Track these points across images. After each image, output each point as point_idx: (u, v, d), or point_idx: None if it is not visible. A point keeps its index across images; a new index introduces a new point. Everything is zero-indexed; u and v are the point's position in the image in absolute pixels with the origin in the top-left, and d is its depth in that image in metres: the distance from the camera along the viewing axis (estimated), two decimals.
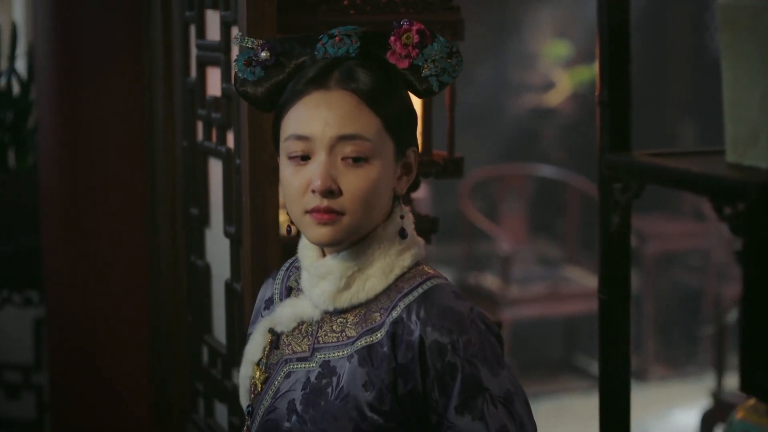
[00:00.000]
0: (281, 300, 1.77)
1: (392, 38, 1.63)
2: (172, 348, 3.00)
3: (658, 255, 6.19)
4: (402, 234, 1.64)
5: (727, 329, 4.75)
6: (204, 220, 2.78)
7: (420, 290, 1.61)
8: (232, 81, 1.84)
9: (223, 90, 2.57)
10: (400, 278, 1.64)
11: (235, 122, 2.50)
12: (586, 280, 5.98)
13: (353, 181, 1.59)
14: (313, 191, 1.58)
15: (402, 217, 1.66)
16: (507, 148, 7.64)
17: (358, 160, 1.59)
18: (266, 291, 1.84)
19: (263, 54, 1.66)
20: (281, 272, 1.83)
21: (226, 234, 2.59)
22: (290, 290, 1.77)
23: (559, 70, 7.83)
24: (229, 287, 2.60)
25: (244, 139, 2.42)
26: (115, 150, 3.07)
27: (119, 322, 3.09)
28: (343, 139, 1.58)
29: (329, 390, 1.61)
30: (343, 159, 1.59)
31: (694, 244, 6.35)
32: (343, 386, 1.60)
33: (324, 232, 1.60)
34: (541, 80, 7.90)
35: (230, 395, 2.59)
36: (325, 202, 1.58)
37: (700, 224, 6.38)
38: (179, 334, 2.97)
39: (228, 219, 2.58)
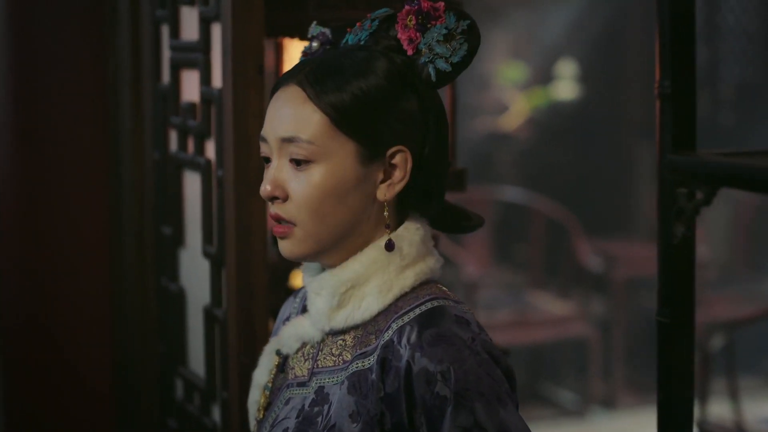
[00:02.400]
0: None
1: (398, 23, 1.50)
2: (139, 382, 2.72)
3: (626, 280, 6.04)
4: (387, 246, 1.48)
5: (710, 356, 4.59)
6: (178, 239, 2.53)
7: (417, 311, 1.45)
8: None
9: (203, 94, 2.32)
10: (402, 297, 1.48)
11: (217, 129, 2.25)
12: (551, 306, 5.82)
13: (296, 187, 1.46)
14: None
15: (387, 227, 1.49)
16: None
17: (299, 163, 1.45)
18: (286, 310, 1.71)
19: (314, 44, 1.59)
20: (302, 290, 1.69)
21: (205, 254, 2.34)
22: (305, 310, 1.62)
23: (513, 92, 7.68)
24: (208, 313, 2.35)
25: (228, 147, 2.18)
26: (76, 164, 2.80)
27: (79, 353, 2.82)
28: (285, 141, 1.46)
29: (319, 419, 1.46)
30: (289, 161, 1.46)
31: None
32: (331, 416, 1.45)
33: (283, 247, 1.49)
34: (495, 103, 7.75)
35: None
36: (274, 209, 1.48)
37: None
38: (148, 366, 2.71)
39: (207, 237, 2.33)
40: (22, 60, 2.77)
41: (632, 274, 6.08)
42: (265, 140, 1.49)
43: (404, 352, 1.40)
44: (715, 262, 6.44)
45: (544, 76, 7.38)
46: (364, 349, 1.46)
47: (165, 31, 2.56)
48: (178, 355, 2.55)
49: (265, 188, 1.47)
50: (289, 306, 1.70)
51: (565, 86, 7.33)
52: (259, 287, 2.18)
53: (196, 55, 2.35)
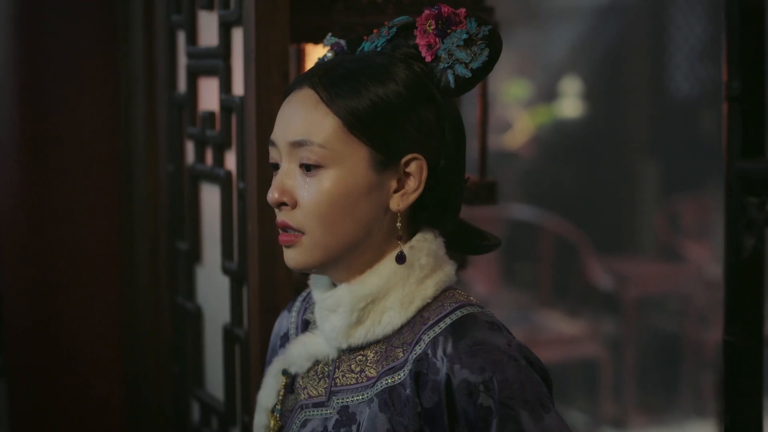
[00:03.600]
0: (297, 335, 1.57)
1: (417, 29, 1.44)
2: (153, 404, 2.60)
3: (637, 299, 5.96)
4: (398, 259, 1.42)
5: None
6: (194, 255, 2.41)
7: (448, 321, 1.39)
8: None
9: (222, 102, 2.21)
10: (425, 308, 1.43)
11: (238, 139, 2.14)
12: (561, 325, 5.72)
13: (305, 193, 1.40)
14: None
15: (399, 238, 1.43)
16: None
17: (309, 169, 1.39)
18: (281, 325, 1.64)
19: (328, 56, 1.53)
20: (297, 303, 1.63)
21: (225, 271, 2.22)
22: (307, 324, 1.57)
23: (517, 110, 7.61)
24: (228, 332, 2.23)
25: (250, 157, 2.07)
26: (87, 177, 2.68)
27: (90, 375, 2.68)
28: (295, 144, 1.40)
29: None
30: (299, 167, 1.41)
31: (673, 287, 6.16)
32: None
33: (289, 256, 1.43)
34: (499, 121, 7.68)
35: None
36: (281, 217, 1.42)
37: (677, 266, 6.18)
38: (162, 388, 2.59)
39: (227, 253, 2.22)
40: (30, 68, 2.66)
41: (643, 293, 6.02)
42: (274, 144, 1.44)
43: (441, 365, 1.35)
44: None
45: (548, 94, 7.32)
46: (391, 364, 1.40)
47: (181, 37, 2.45)
48: (193, 377, 2.43)
49: (273, 194, 1.42)
50: (285, 321, 1.63)
51: (570, 104, 7.27)
52: (283, 305, 2.07)
53: (216, 62, 2.24)
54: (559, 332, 5.65)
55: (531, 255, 6.49)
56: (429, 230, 1.47)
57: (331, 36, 1.56)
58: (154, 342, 2.60)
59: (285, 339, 1.60)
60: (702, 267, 6.00)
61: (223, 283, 2.26)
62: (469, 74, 1.40)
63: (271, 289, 2.07)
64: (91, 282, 2.70)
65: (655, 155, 7.31)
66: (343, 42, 1.54)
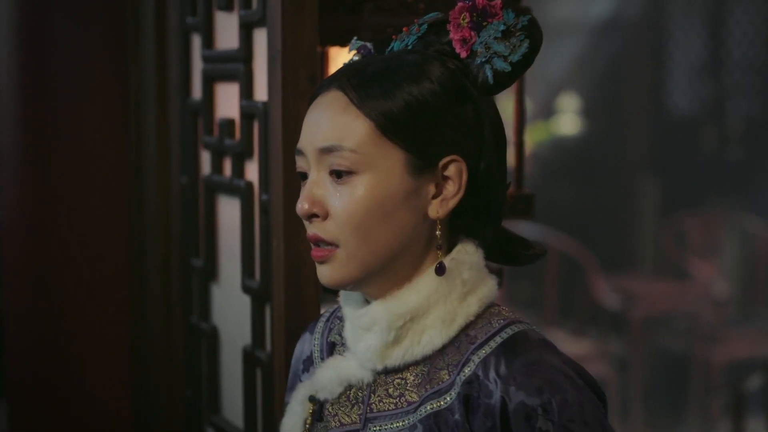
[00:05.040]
0: (322, 359, 1.47)
1: (450, 23, 1.34)
2: (164, 431, 2.44)
3: (644, 317, 5.87)
4: (438, 270, 1.32)
5: (745, 397, 4.40)
6: (210, 272, 2.27)
7: (498, 339, 1.30)
8: None
9: (243, 108, 2.07)
10: (469, 326, 1.33)
11: (261, 148, 2.00)
12: (567, 344, 5.61)
13: (337, 202, 1.30)
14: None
15: (439, 248, 1.33)
16: None
17: (340, 175, 1.29)
18: (303, 348, 1.54)
19: (354, 59, 1.43)
20: (320, 324, 1.53)
21: (246, 289, 2.08)
22: (333, 346, 1.47)
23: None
24: (248, 355, 2.09)
25: (275, 167, 1.93)
26: (93, 190, 2.55)
27: (98, 399, 2.55)
28: (325, 151, 1.30)
29: None
30: (330, 174, 1.30)
31: (680, 305, 6.08)
32: None
33: (323, 273, 1.33)
34: None
35: None
36: (312, 230, 1.32)
37: (683, 284, 6.11)
38: (174, 414, 2.45)
39: (248, 270, 2.08)
40: (33, 74, 2.53)
41: (650, 312, 5.96)
42: (301, 153, 1.34)
43: (495, 388, 1.26)
44: (732, 299, 6.31)
45: (546, 111, 7.23)
46: (436, 387, 1.30)
47: (196, 40, 2.31)
48: (209, 402, 2.29)
49: (302, 205, 1.31)
50: (307, 344, 1.52)
51: (568, 120, 7.19)
52: None
53: (236, 66, 2.10)
54: (565, 352, 5.53)
55: (535, 273, 6.38)
56: (469, 241, 1.37)
57: (357, 39, 1.45)
58: (166, 365, 2.46)
59: (308, 363, 1.50)
60: (709, 285, 5.93)
61: (243, 302, 2.12)
62: (508, 68, 1.30)
63: (298, 309, 1.93)
64: (98, 301, 2.57)
65: (654, 172, 7.24)
66: (369, 45, 1.44)
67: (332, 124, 1.30)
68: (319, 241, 1.31)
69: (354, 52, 1.44)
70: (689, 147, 7.02)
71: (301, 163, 1.34)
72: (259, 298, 2.04)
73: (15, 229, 2.55)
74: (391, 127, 1.29)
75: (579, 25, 7.20)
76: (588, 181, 7.02)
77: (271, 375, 2.00)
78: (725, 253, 6.42)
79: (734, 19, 6.84)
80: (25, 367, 2.57)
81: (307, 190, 1.32)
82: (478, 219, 1.36)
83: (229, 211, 2.19)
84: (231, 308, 2.20)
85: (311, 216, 1.31)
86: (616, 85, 7.37)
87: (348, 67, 1.36)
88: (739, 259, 6.47)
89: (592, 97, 7.23)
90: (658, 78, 7.39)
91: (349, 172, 1.29)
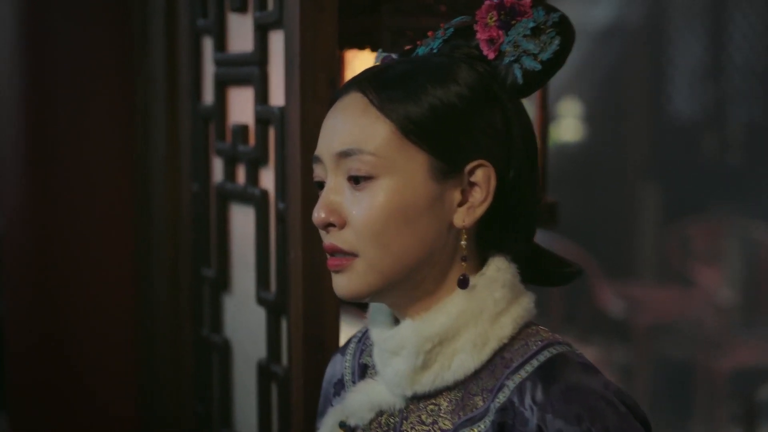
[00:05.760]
0: (354, 382, 1.40)
1: (477, 23, 1.28)
2: None
3: (649, 325, 5.83)
4: (461, 283, 1.24)
5: (757, 406, 4.35)
6: (222, 283, 2.20)
7: (535, 363, 1.21)
8: None
9: (258, 114, 2.00)
10: (504, 348, 1.24)
11: (278, 155, 1.92)
12: None
13: (355, 210, 1.22)
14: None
15: (464, 259, 1.24)
16: None
17: (359, 181, 1.22)
18: (335, 370, 1.46)
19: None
20: (352, 344, 1.45)
21: (260, 301, 2.01)
22: (365, 368, 1.40)
23: None
24: (263, 369, 2.01)
25: (293, 174, 1.86)
26: (98, 198, 2.49)
27: (103, 415, 2.48)
28: (343, 155, 1.23)
29: None
30: (348, 180, 1.23)
31: (684, 312, 6.04)
32: None
33: (339, 284, 1.25)
34: None
35: None
36: (329, 239, 1.24)
37: (687, 291, 6.07)
38: (183, 430, 2.36)
39: (263, 282, 2.01)
40: (35, 78, 2.48)
41: (654, 319, 5.90)
42: (318, 160, 1.26)
43: (531, 415, 1.17)
44: (737, 306, 6.27)
45: (547, 116, 7.19)
46: (469, 414, 1.22)
47: (207, 43, 2.24)
48: (220, 417, 2.21)
49: (318, 214, 1.23)
50: (339, 366, 1.45)
51: (569, 126, 7.15)
52: (331, 340, 1.86)
53: (250, 69, 2.03)
54: None
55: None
56: (501, 256, 1.28)
57: (382, 51, 1.38)
58: (175, 379, 2.39)
59: (340, 386, 1.42)
60: (713, 292, 5.89)
61: (258, 314, 2.04)
62: (538, 66, 1.23)
63: (316, 321, 1.86)
64: (102, 311, 2.51)
65: (655, 178, 7.20)
66: (394, 56, 1.36)
67: (350, 126, 1.23)
68: (336, 252, 1.24)
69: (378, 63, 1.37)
70: (691, 152, 6.99)
71: (318, 171, 1.27)
72: (274, 310, 1.97)
73: (17, 239, 2.49)
74: (414, 129, 1.21)
75: (580, 30, 7.10)
76: (589, 186, 6.98)
77: (287, 389, 1.93)
78: (729, 259, 6.38)
79: (735, 24, 6.82)
80: (27, 378, 2.50)
81: (323, 197, 1.24)
82: (509, 231, 1.27)
83: (242, 220, 2.12)
84: (244, 320, 2.12)
85: (327, 225, 1.24)
86: (618, 90, 7.33)
87: (368, 70, 1.29)
88: (743, 265, 6.43)
89: (593, 102, 7.20)
90: (660, 83, 7.36)
91: (368, 178, 1.21)
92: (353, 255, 1.23)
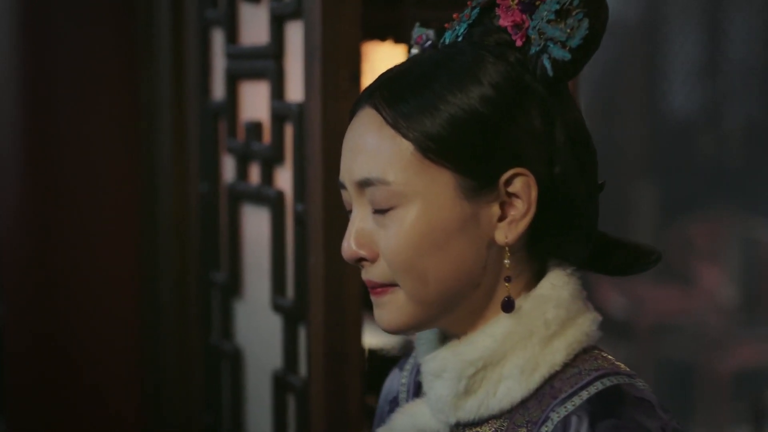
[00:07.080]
0: (407, 400, 1.28)
1: (499, 7, 1.13)
2: None
3: (651, 324, 5.77)
4: (505, 306, 1.11)
5: (765, 406, 4.30)
6: (233, 288, 2.10)
7: (584, 395, 1.08)
8: None
9: (273, 110, 1.89)
10: (556, 376, 1.11)
11: (295, 153, 1.82)
12: None
13: (383, 241, 1.10)
14: None
15: (508, 280, 1.11)
16: None
17: (381, 212, 1.10)
18: (391, 387, 1.34)
19: (413, 52, 1.26)
20: (411, 359, 1.32)
21: (276, 308, 1.91)
22: (419, 387, 1.27)
23: None
24: (279, 380, 1.91)
25: (313, 174, 1.75)
26: (101, 198, 2.40)
27: (106, 427, 2.33)
28: (363, 184, 1.11)
29: None
30: (372, 211, 1.12)
31: (686, 311, 5.99)
32: None
33: (380, 318, 1.14)
34: None
35: None
36: (366, 276, 1.13)
37: (689, 290, 6.01)
38: None
39: (278, 287, 1.91)
40: (35, 73, 2.40)
41: (657, 319, 5.83)
42: (343, 186, 1.14)
43: None
44: (739, 305, 6.23)
45: None
46: None
47: (218, 35, 2.14)
48: (231, 429, 2.11)
49: (349, 246, 1.12)
50: (396, 381, 1.34)
51: None
52: (353, 351, 1.77)
53: (265, 63, 1.93)
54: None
55: None
56: (560, 270, 1.15)
57: (420, 26, 1.26)
58: (183, 388, 2.30)
59: (394, 404, 1.31)
60: (715, 291, 5.84)
61: (273, 321, 1.94)
62: (568, 55, 1.08)
63: (338, 330, 1.76)
64: (105, 315, 2.42)
65: (653, 177, 7.15)
66: (431, 33, 1.25)
67: (365, 150, 1.11)
68: (375, 286, 1.13)
69: (414, 41, 1.26)
70: (688, 150, 6.94)
71: (345, 197, 1.15)
72: (292, 317, 1.87)
73: (17, 239, 2.38)
74: (434, 147, 1.08)
75: None
76: None
77: (306, 401, 1.83)
78: (730, 257, 6.34)
79: (732, 22, 6.76)
80: (26, 380, 2.41)
81: (351, 226, 1.13)
82: (564, 237, 1.14)
83: (255, 222, 2.02)
84: (258, 328, 2.02)
85: (360, 260, 1.12)
86: (614, 89, 7.28)
87: (384, 75, 1.15)
88: (745, 263, 6.39)
89: (589, 101, 7.14)
90: (656, 82, 7.30)
91: (389, 208, 1.10)
92: (393, 285, 1.12)
